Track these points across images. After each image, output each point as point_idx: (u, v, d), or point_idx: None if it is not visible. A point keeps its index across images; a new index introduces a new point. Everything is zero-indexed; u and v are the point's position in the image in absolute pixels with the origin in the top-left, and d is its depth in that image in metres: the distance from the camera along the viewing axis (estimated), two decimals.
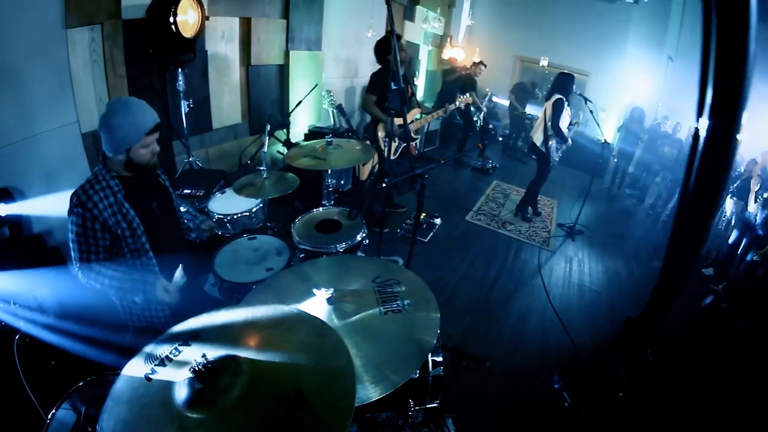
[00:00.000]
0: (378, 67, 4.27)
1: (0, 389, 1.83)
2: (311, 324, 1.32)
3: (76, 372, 1.90)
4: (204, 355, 1.09)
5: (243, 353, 1.16)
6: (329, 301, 1.55)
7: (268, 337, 1.27)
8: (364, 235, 2.61)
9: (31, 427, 1.53)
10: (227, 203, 3.09)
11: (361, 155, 3.06)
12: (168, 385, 1.11)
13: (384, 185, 2.40)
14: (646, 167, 7.71)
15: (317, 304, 1.56)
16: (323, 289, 1.55)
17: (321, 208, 2.89)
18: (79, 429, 1.48)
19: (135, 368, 1.20)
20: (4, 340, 1.85)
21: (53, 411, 1.51)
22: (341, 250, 2.48)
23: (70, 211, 1.83)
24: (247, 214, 2.99)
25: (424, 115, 4.45)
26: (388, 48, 4.09)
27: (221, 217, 2.97)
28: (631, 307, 4.03)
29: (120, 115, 1.81)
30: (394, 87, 2.65)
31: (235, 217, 2.97)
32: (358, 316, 1.55)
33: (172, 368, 1.17)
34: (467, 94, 4.85)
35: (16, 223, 2.68)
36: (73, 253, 1.87)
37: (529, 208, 5.75)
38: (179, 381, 1.10)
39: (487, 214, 5.76)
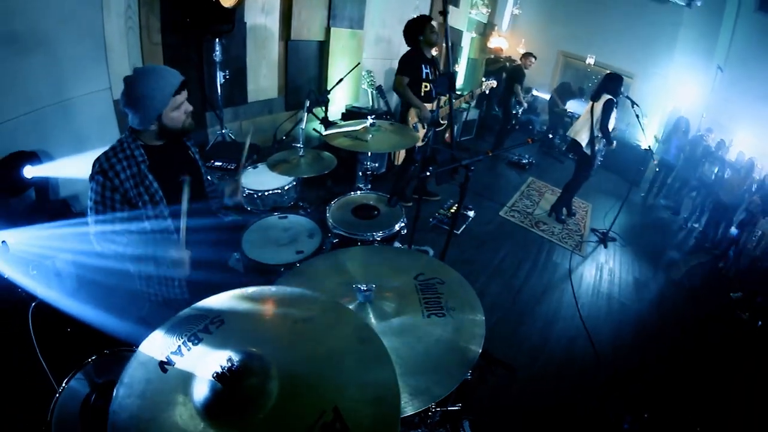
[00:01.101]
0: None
1: (15, 356, 1.80)
2: (352, 324, 1.18)
3: (91, 341, 1.88)
4: (230, 359, 0.96)
5: (272, 350, 1.03)
6: (367, 297, 1.41)
7: (303, 333, 1.13)
8: (402, 224, 2.46)
9: (42, 396, 1.47)
10: (259, 179, 2.98)
11: (403, 140, 2.89)
12: (186, 383, 0.98)
13: (429, 174, 2.24)
14: (683, 180, 7.37)
15: (353, 300, 1.42)
16: (365, 285, 1.40)
17: (358, 192, 2.75)
18: (91, 401, 1.44)
19: (150, 353, 1.07)
20: (21, 307, 1.80)
21: (63, 384, 1.46)
22: (378, 239, 2.34)
23: (91, 177, 1.74)
24: (279, 191, 2.88)
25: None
26: (420, 29, 3.92)
27: (252, 192, 2.86)
28: (658, 326, 3.90)
29: (141, 83, 1.69)
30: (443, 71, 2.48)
31: (266, 193, 2.86)
32: (399, 317, 1.41)
33: (191, 359, 1.03)
34: (491, 79, 4.70)
35: (43, 186, 2.63)
36: (89, 218, 1.78)
37: (564, 209, 5.52)
38: (199, 380, 0.97)
39: (521, 211, 5.57)
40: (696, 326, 4.05)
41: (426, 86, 3.99)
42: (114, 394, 0.96)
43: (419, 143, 3.85)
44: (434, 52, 4.18)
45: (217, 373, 0.93)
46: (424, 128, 4.05)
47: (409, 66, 3.94)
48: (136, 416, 0.93)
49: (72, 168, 2.66)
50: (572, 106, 8.27)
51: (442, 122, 4.00)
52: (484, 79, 4.74)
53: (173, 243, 1.90)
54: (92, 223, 1.78)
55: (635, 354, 3.42)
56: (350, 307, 1.38)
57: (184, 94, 1.79)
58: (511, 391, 2.79)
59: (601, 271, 4.61)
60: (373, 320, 1.38)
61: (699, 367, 3.47)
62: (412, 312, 1.43)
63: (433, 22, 3.95)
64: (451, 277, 1.62)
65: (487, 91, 4.70)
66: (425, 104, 3.97)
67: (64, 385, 1.46)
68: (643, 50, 8.68)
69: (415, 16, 4.15)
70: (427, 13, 6.81)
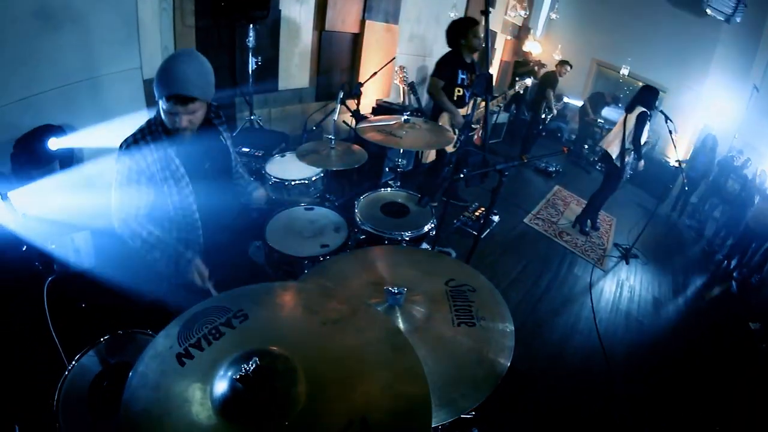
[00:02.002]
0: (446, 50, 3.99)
1: (29, 330, 1.79)
2: (385, 329, 1.11)
3: (107, 320, 1.86)
4: (255, 360, 0.90)
5: (298, 352, 0.97)
6: (397, 300, 1.34)
7: (332, 335, 1.07)
8: (432, 226, 2.40)
9: (53, 371, 1.45)
10: (286, 167, 2.94)
11: (437, 140, 2.82)
12: (204, 379, 0.93)
13: (462, 176, 2.17)
14: (708, 199, 7.16)
15: (380, 302, 1.35)
16: (396, 288, 1.34)
17: (388, 189, 2.69)
18: (101, 381, 1.43)
19: (167, 343, 1.01)
20: (37, 281, 1.78)
21: (73, 362, 1.45)
22: (407, 239, 2.27)
23: (118, 159, 1.67)
24: (306, 182, 2.84)
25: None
26: (463, 32, 3.81)
27: (278, 181, 2.83)
28: (674, 349, 3.78)
29: (163, 63, 1.60)
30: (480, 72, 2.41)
31: (292, 183, 2.82)
32: (428, 323, 1.34)
33: (212, 355, 0.98)
34: (527, 78, 4.55)
35: (67, 160, 2.62)
36: (113, 202, 1.72)
37: (588, 221, 5.39)
38: (219, 378, 0.92)
39: (545, 219, 5.46)
40: (713, 355, 3.91)
41: (459, 91, 3.89)
42: (127, 383, 0.92)
43: (451, 148, 3.77)
44: (474, 56, 4.07)
45: (240, 374, 0.88)
46: (455, 133, 3.97)
47: (446, 69, 3.84)
48: (148, 410, 0.89)
49: (97, 141, 2.66)
50: (608, 113, 8.07)
51: (474, 126, 3.91)
52: (517, 79, 4.61)
53: (198, 243, 1.88)
54: (116, 206, 1.72)
55: (650, 377, 3.33)
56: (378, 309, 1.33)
57: (177, 107, 1.62)
58: (524, 401, 2.72)
59: (621, 288, 4.48)
60: (401, 325, 1.32)
61: (713, 397, 3.34)
62: (442, 319, 1.36)
63: (479, 27, 3.83)
64: (481, 284, 1.55)
65: (522, 91, 4.57)
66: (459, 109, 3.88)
67: (74, 362, 1.44)
68: (678, 64, 8.41)
69: (461, 18, 4.04)
70: (463, 12, 6.72)
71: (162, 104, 1.63)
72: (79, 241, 2.26)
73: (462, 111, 3.90)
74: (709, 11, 7.25)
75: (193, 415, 0.87)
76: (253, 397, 0.87)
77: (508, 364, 1.26)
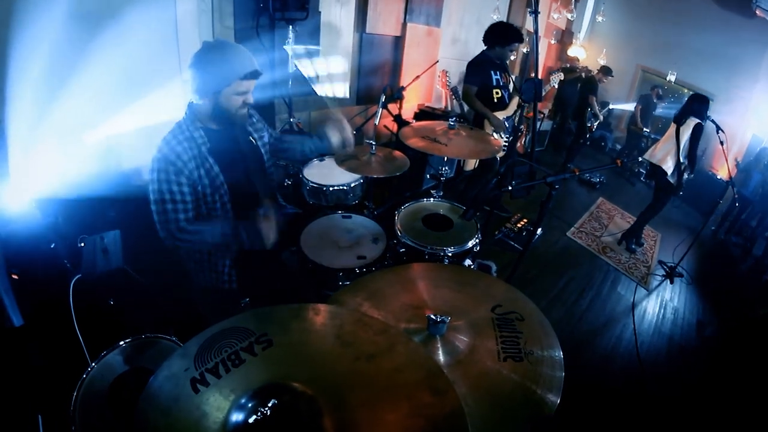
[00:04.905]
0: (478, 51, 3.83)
1: (55, 327, 1.80)
2: (425, 369, 0.98)
3: (132, 321, 1.91)
4: (275, 402, 0.83)
5: (326, 391, 0.88)
6: (439, 330, 1.21)
7: (365, 373, 0.95)
8: (476, 242, 2.26)
9: (78, 368, 1.47)
10: (324, 173, 2.87)
11: (483, 149, 2.69)
12: (218, 410, 0.85)
13: (510, 188, 2.03)
14: (756, 216, 6.66)
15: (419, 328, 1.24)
16: (438, 316, 1.21)
17: (430, 199, 2.57)
18: (120, 384, 1.44)
19: (182, 365, 0.94)
20: (64, 279, 1.82)
21: (93, 364, 1.46)
22: (449, 254, 2.15)
23: (152, 169, 1.66)
24: (345, 188, 2.75)
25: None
26: (506, 42, 3.62)
27: (315, 186, 2.75)
28: (716, 380, 3.52)
29: (216, 52, 1.63)
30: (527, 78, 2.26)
31: (330, 189, 2.74)
32: (471, 356, 1.20)
33: (228, 384, 0.90)
34: (558, 72, 4.32)
35: (104, 157, 2.68)
36: (156, 216, 1.70)
37: (634, 238, 5.13)
38: (234, 413, 0.84)
39: (589, 233, 5.23)
40: (758, 390, 3.62)
41: (497, 92, 3.73)
42: (139, 405, 0.87)
43: (500, 153, 3.61)
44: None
45: (256, 416, 0.81)
46: (501, 138, 3.81)
47: (478, 73, 3.69)
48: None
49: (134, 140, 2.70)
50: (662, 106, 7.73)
51: (519, 132, 3.74)
52: (552, 75, 4.35)
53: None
54: (160, 220, 1.71)
55: (689, 408, 3.12)
56: (416, 338, 1.20)
57: (251, 83, 1.71)
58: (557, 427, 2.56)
59: (665, 309, 4.25)
60: (441, 357, 1.19)
61: None
62: (486, 352, 1.21)
63: (521, 46, 3.67)
64: (530, 310, 1.39)
65: (555, 85, 4.32)
66: (499, 112, 3.73)
67: (94, 363, 1.46)
68: (726, 69, 7.89)
69: (510, 25, 3.87)
70: (506, 14, 6.54)
71: (234, 87, 1.66)
72: (108, 240, 2.26)
73: (505, 112, 3.74)
74: (758, 12, 6.84)
75: None
76: None
77: (558, 401, 1.11)
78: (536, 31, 2.28)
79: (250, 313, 1.08)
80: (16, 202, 2.06)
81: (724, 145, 4.18)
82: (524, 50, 6.74)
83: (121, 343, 1.54)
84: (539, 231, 4.61)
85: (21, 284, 1.89)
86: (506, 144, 3.74)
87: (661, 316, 4.11)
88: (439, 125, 2.67)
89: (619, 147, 8.43)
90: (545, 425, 1.06)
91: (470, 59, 3.80)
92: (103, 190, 2.50)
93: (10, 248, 1.96)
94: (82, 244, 2.17)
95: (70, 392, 1.36)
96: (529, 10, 2.27)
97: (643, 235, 5.28)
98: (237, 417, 0.84)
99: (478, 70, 3.69)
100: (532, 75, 2.34)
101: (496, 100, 3.73)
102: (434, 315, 1.22)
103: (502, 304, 1.39)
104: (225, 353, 0.96)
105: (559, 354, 1.26)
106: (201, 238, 1.73)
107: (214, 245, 1.81)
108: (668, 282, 4.69)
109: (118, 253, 2.25)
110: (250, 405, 0.85)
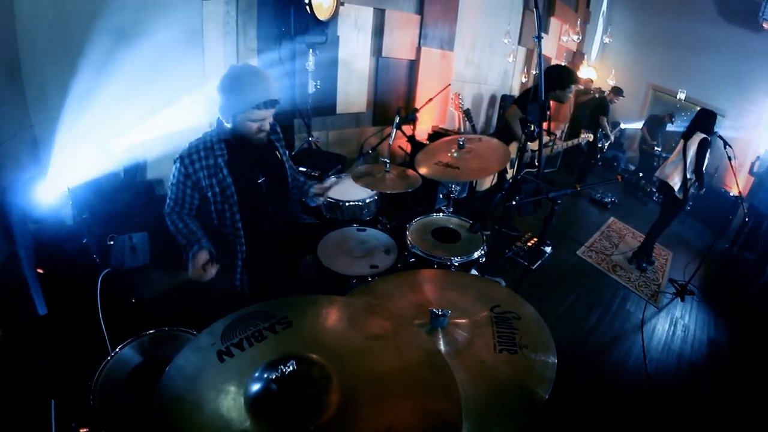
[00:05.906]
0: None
1: (81, 317, 1.88)
2: (425, 349, 1.12)
3: (155, 314, 2.00)
4: (292, 363, 0.94)
5: (336, 362, 1.01)
6: (441, 322, 1.35)
7: (371, 349, 1.10)
8: (482, 253, 2.41)
9: (96, 357, 1.51)
10: (340, 189, 3.02)
11: (496, 158, 2.76)
12: (240, 377, 0.97)
13: (514, 203, 2.18)
14: None
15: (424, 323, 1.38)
16: (440, 310, 1.35)
17: (441, 214, 2.73)
18: (141, 372, 1.47)
19: (210, 340, 1.07)
20: (93, 273, 1.91)
21: (116, 350, 1.51)
22: (456, 264, 2.29)
23: (174, 159, 1.91)
24: (360, 203, 2.91)
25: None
26: (565, 84, 3.79)
27: (332, 201, 2.92)
28: (726, 398, 3.49)
29: (237, 79, 1.79)
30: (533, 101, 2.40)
31: (346, 204, 2.91)
32: (470, 347, 1.33)
33: (252, 355, 1.03)
34: (588, 132, 4.48)
35: (132, 167, 2.88)
36: (167, 197, 1.98)
37: (644, 256, 5.17)
38: (255, 378, 0.96)
39: (599, 252, 5.28)
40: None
41: (532, 126, 3.89)
42: (165, 372, 0.98)
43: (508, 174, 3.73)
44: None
45: (276, 375, 0.92)
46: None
47: (531, 112, 3.82)
48: (181, 397, 0.94)
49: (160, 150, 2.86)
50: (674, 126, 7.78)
51: (536, 165, 3.84)
52: (582, 132, 4.52)
53: (237, 237, 2.00)
54: (167, 201, 1.97)
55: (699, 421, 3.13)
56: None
57: (267, 112, 1.85)
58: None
59: (675, 326, 4.25)
60: (442, 347, 1.32)
61: None
62: (484, 344, 1.35)
63: (578, 86, 3.79)
64: (527, 313, 1.52)
65: (583, 143, 4.44)
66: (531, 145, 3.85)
67: (117, 350, 1.52)
68: (735, 84, 7.86)
69: (567, 68, 4.04)
70: (517, 38, 6.71)
71: (248, 114, 1.81)
72: (136, 240, 2.44)
73: (531, 145, 3.87)
74: (765, 25, 6.88)
75: (224, 409, 0.91)
76: (285, 399, 0.91)
77: (547, 397, 1.23)
78: (540, 54, 2.43)
79: (272, 301, 1.21)
80: (50, 200, 2.23)
81: (733, 161, 4.19)
82: (534, 72, 6.92)
83: (144, 333, 1.59)
84: (549, 249, 4.71)
85: (50, 275, 2.03)
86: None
87: (671, 333, 4.11)
88: (449, 146, 2.78)
89: (632, 167, 8.44)
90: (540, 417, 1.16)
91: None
92: (129, 198, 2.68)
93: (44, 241, 2.14)
94: (111, 242, 2.33)
95: (89, 379, 1.40)
96: (533, 36, 2.42)
97: (654, 254, 5.29)
98: (258, 381, 0.95)
99: (535, 108, 3.84)
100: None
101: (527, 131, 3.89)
102: (436, 309, 1.36)
103: (500, 304, 1.53)
104: (249, 331, 1.09)
105: (552, 347, 1.38)
106: (174, 233, 1.92)
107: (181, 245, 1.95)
108: (679, 300, 4.69)
109: (145, 252, 2.44)
110: (269, 371, 0.95)
